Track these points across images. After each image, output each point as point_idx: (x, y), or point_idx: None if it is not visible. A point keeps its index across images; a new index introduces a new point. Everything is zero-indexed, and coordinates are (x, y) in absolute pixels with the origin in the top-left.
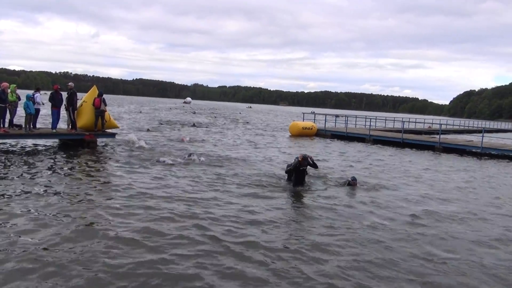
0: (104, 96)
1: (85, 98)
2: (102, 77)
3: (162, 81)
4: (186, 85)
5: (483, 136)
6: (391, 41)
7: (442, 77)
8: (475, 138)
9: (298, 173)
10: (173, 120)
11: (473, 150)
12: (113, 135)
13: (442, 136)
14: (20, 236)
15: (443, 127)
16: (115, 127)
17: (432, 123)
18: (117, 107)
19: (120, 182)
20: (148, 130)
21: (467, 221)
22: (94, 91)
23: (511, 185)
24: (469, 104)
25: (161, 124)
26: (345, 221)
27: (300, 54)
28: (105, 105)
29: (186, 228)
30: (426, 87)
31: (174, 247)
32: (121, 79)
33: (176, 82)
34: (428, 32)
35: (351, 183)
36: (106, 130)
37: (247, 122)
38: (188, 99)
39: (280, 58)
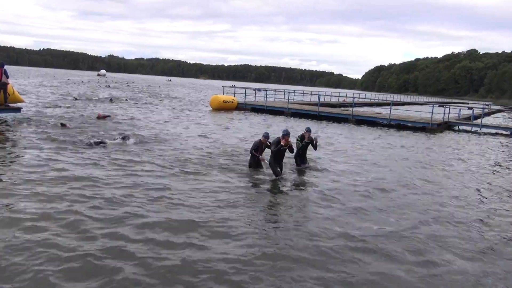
0: (6, 67)
1: None
2: (4, 46)
3: (73, 52)
4: (101, 56)
5: (391, 109)
6: (311, 16)
7: (357, 52)
8: (384, 111)
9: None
10: (88, 94)
11: (382, 121)
12: (18, 110)
13: (355, 109)
14: None
15: (356, 100)
16: (20, 101)
17: (346, 97)
18: (22, 80)
19: (32, 163)
20: (59, 106)
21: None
22: None
23: (414, 153)
24: (379, 78)
25: (76, 99)
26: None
27: (222, 27)
28: (7, 77)
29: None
30: (341, 62)
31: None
32: (26, 49)
33: (90, 53)
34: (345, 9)
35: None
36: (9, 105)
37: (169, 97)
38: (103, 71)
39: (201, 30)
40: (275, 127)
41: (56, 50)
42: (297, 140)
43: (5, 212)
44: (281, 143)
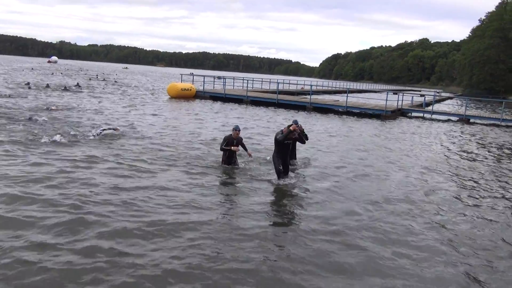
0: None
1: None
2: None
3: (21, 37)
4: (51, 42)
5: (347, 97)
6: (269, 3)
7: (314, 40)
8: (340, 98)
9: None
10: (40, 83)
11: (339, 109)
12: None
13: (312, 96)
14: None
15: (314, 88)
16: None
17: (304, 85)
18: None
19: None
20: (8, 95)
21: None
22: None
23: (371, 140)
24: (336, 66)
25: (29, 87)
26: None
27: (179, 13)
28: None
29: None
30: (299, 50)
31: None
32: None
33: (39, 39)
34: None
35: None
36: None
37: (126, 85)
38: (54, 58)
39: (157, 17)
40: (234, 114)
41: (2, 35)
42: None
43: None
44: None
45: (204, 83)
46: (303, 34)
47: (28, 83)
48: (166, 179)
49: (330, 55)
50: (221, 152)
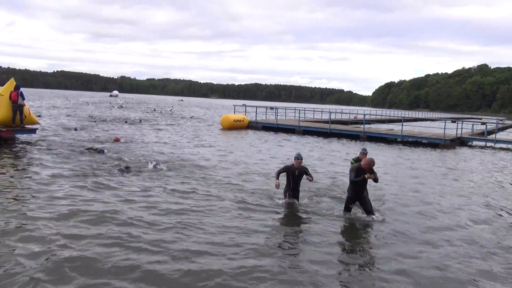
0: (22, 89)
1: (1, 91)
2: (19, 69)
3: (86, 74)
4: (113, 77)
5: (402, 125)
6: (320, 34)
7: (366, 69)
8: (395, 127)
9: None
10: (103, 116)
11: (394, 138)
12: (33, 131)
13: (366, 125)
14: None
15: (367, 117)
16: (36, 123)
17: (357, 114)
18: (37, 102)
19: (50, 189)
20: (75, 129)
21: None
22: (11, 83)
23: (428, 169)
24: (390, 95)
25: (93, 121)
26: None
27: (231, 46)
28: (23, 99)
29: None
30: (351, 79)
31: None
32: (40, 71)
33: (102, 74)
34: (354, 26)
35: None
36: (25, 126)
37: (182, 117)
38: (115, 92)
39: (211, 50)
40: (288, 143)
41: (69, 72)
42: (352, 163)
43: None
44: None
45: (256, 113)
46: (355, 64)
47: (93, 116)
48: (224, 216)
49: (383, 84)
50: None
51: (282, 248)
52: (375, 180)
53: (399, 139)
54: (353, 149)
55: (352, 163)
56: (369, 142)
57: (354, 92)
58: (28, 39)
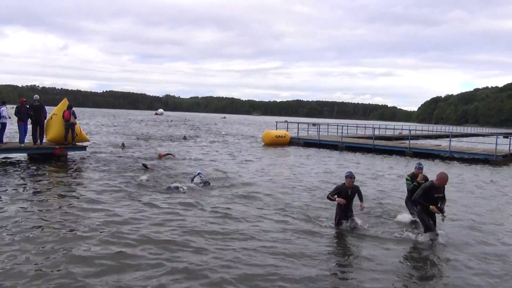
0: (74, 109)
1: (55, 111)
2: (71, 90)
3: (133, 93)
4: (158, 96)
5: (450, 141)
6: (363, 50)
7: (411, 84)
8: (443, 143)
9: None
10: (150, 133)
11: (442, 154)
12: (84, 148)
13: (412, 141)
14: None
15: (412, 132)
16: (86, 140)
17: (402, 129)
18: (88, 120)
19: (97, 207)
20: (123, 146)
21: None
22: (64, 103)
23: (480, 187)
24: (436, 110)
25: (138, 138)
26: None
27: (273, 64)
28: (75, 117)
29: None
30: (396, 95)
31: None
32: (90, 91)
33: (148, 93)
34: (398, 41)
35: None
36: (76, 143)
37: (225, 134)
38: (160, 110)
39: (254, 68)
40: (331, 159)
41: (117, 91)
42: (407, 179)
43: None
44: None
45: (298, 129)
46: (399, 79)
47: (139, 134)
48: (273, 239)
49: (429, 99)
50: (329, 201)
51: (344, 279)
52: (441, 212)
53: (447, 155)
54: (399, 166)
55: (407, 179)
56: (415, 158)
57: (398, 107)
58: (80, 61)
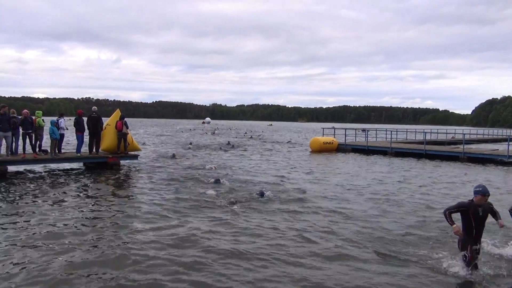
0: (126, 119)
1: (108, 122)
2: (123, 101)
3: (181, 103)
4: (205, 105)
5: (509, 145)
6: (412, 52)
7: (465, 86)
8: (500, 147)
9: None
10: (197, 142)
11: (500, 159)
12: (135, 157)
13: (466, 146)
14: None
15: (467, 137)
16: (138, 149)
17: (455, 133)
18: (139, 130)
19: (146, 216)
20: (174, 156)
21: None
22: (117, 114)
23: None
24: (492, 112)
25: (189, 148)
26: None
27: (319, 70)
28: (127, 127)
29: None
30: (448, 98)
31: None
32: (141, 102)
33: (195, 103)
34: (450, 42)
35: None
36: (128, 152)
37: (273, 141)
38: (207, 119)
39: (299, 75)
40: (382, 166)
41: (166, 101)
42: None
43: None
44: None
45: (345, 136)
46: (451, 81)
47: (190, 143)
48: (357, 269)
49: (484, 101)
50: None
51: None
52: None
53: (505, 160)
54: (454, 172)
55: None
56: (470, 163)
57: (450, 111)
58: (131, 74)
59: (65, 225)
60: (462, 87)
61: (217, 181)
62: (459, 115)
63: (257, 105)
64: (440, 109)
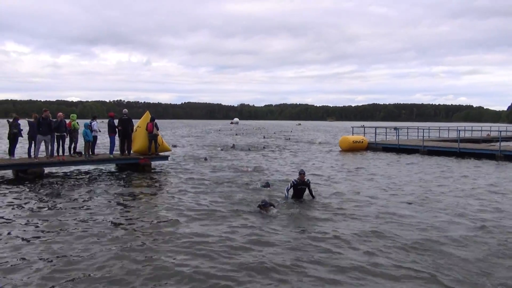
0: (156, 121)
1: (139, 124)
2: (153, 103)
3: (209, 103)
4: (233, 105)
5: None
6: (444, 48)
7: (500, 81)
8: None
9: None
10: (227, 143)
11: None
12: (166, 158)
13: (503, 143)
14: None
15: (503, 134)
16: (168, 150)
17: (491, 131)
18: (168, 131)
19: (179, 219)
20: (205, 159)
21: None
22: (147, 116)
23: None
24: None
25: (221, 149)
26: None
27: (348, 68)
28: (158, 129)
29: None
30: (482, 94)
31: None
32: (170, 103)
33: (224, 103)
34: (485, 36)
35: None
36: (159, 153)
37: (301, 141)
38: (236, 119)
39: (328, 73)
40: (417, 165)
41: (194, 103)
42: None
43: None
44: None
45: (376, 134)
46: (486, 77)
47: (221, 146)
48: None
49: None
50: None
51: None
52: None
53: None
54: (488, 170)
55: None
56: (507, 162)
57: (485, 107)
58: (161, 76)
59: (97, 225)
60: (497, 82)
61: (265, 186)
62: (494, 111)
63: (285, 105)
64: (474, 106)
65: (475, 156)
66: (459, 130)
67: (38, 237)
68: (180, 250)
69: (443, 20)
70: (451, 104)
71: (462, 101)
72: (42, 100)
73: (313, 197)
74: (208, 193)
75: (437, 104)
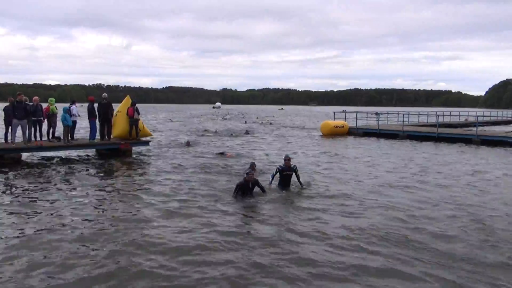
0: (137, 105)
1: (119, 108)
2: (134, 87)
3: (191, 88)
4: (215, 90)
5: None
6: (426, 33)
7: (480, 67)
8: None
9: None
10: (208, 128)
11: None
12: (147, 143)
13: (479, 128)
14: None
15: (480, 119)
16: (149, 135)
17: (468, 116)
18: (150, 116)
19: (163, 200)
20: (188, 144)
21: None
22: (127, 101)
23: None
24: (506, 93)
25: (203, 135)
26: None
27: (331, 53)
28: (138, 114)
29: None
30: (461, 79)
31: None
32: (151, 87)
33: (206, 88)
34: (466, 22)
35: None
36: (140, 139)
37: (283, 126)
38: (218, 104)
39: (311, 58)
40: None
41: (176, 87)
42: None
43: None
44: None
45: (357, 119)
46: (465, 62)
47: (202, 130)
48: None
49: (497, 82)
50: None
51: None
52: None
53: None
54: (466, 154)
55: None
56: (484, 146)
57: (463, 92)
58: (142, 59)
59: (75, 212)
60: (477, 68)
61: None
62: (472, 97)
63: (267, 89)
64: (453, 91)
65: (453, 140)
66: (438, 115)
67: (10, 225)
68: (155, 242)
69: (426, 6)
70: (431, 89)
71: (442, 86)
72: (19, 83)
73: (301, 184)
74: (189, 179)
75: (417, 89)
